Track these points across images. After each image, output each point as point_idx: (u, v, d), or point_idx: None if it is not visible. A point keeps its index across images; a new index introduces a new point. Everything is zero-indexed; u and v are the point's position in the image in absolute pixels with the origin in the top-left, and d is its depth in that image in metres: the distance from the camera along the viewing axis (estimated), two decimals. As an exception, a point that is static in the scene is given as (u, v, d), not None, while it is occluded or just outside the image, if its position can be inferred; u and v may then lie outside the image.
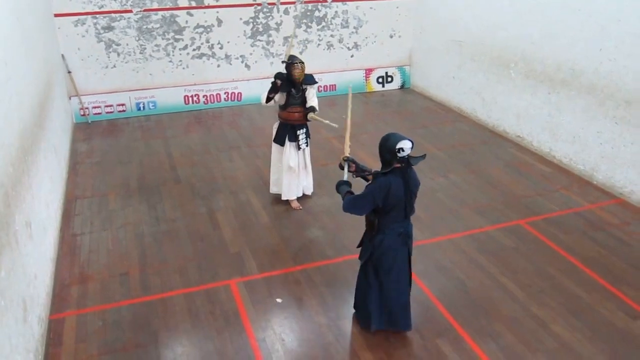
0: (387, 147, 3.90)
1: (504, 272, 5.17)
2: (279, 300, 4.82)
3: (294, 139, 6.09)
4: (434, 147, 8.12)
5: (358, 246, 4.38)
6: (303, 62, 5.84)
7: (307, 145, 6.23)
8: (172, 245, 5.65)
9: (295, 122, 6.05)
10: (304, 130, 6.16)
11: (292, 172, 6.20)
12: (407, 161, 3.90)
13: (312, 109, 5.95)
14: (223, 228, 5.97)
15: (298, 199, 6.44)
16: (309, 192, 6.54)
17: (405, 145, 3.84)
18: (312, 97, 6.02)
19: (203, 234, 5.87)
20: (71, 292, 4.94)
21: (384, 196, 3.90)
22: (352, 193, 4.20)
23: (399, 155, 3.85)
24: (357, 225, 4.88)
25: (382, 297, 4.25)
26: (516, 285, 4.98)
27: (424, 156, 4.03)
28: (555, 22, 7.33)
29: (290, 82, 5.89)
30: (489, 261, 5.35)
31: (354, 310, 4.58)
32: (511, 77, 8.32)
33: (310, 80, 5.99)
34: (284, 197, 6.35)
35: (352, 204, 4.06)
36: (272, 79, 5.91)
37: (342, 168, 4.47)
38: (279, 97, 5.98)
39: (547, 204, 6.44)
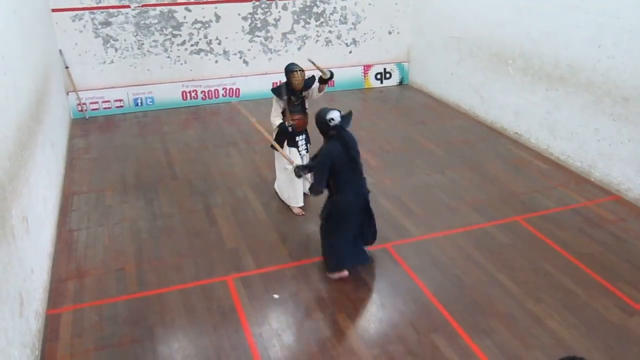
0: (320, 120, 4.74)
1: (500, 269, 5.18)
2: (275, 296, 4.83)
3: (294, 145, 6.05)
4: (431, 143, 8.12)
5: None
6: (303, 70, 5.77)
7: (307, 152, 6.17)
8: (169, 241, 5.66)
9: (295, 129, 5.98)
10: (304, 136, 6.11)
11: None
12: (340, 127, 4.70)
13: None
14: (220, 224, 5.98)
15: None
16: (306, 190, 6.52)
17: (334, 114, 4.68)
18: (315, 90, 5.99)
19: (200, 230, 5.88)
20: (68, 287, 4.94)
21: (332, 161, 4.64)
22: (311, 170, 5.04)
23: (330, 124, 4.69)
24: (353, 221, 4.87)
25: (345, 240, 4.92)
26: (512, 282, 4.99)
27: (350, 112, 4.78)
28: (553, 19, 7.32)
29: (290, 90, 5.82)
30: (485, 257, 5.36)
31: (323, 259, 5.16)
32: (509, 73, 8.32)
33: (309, 83, 5.92)
34: (294, 204, 6.20)
35: (316, 184, 4.78)
36: (279, 128, 5.91)
37: (299, 177, 5.40)
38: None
39: (544, 201, 6.45)
